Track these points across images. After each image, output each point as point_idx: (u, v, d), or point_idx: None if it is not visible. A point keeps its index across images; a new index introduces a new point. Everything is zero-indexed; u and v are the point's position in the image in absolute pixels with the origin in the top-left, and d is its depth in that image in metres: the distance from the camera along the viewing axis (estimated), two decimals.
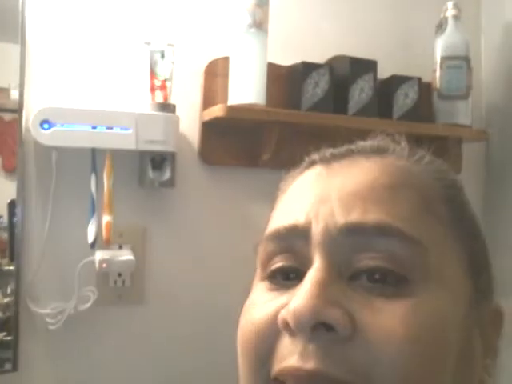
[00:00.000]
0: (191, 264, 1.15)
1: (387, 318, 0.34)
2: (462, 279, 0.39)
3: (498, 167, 1.37)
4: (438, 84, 1.25)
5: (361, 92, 1.17)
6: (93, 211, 1.03)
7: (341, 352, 0.33)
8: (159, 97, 1.09)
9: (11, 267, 1.04)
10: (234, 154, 1.17)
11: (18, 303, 1.03)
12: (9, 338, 1.01)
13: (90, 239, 1.03)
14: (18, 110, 1.04)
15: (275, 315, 0.36)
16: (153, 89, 1.09)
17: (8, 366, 1.01)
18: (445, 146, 1.28)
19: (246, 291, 1.17)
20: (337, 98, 1.16)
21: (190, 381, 1.13)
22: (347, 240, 0.36)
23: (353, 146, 0.44)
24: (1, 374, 1.01)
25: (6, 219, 1.06)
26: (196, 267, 1.15)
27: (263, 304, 0.39)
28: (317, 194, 0.40)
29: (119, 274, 1.10)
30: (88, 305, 1.06)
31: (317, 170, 0.43)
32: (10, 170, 1.07)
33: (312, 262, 0.37)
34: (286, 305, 0.36)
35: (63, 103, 1.03)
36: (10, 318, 1.01)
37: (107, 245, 1.04)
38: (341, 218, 0.37)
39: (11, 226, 1.05)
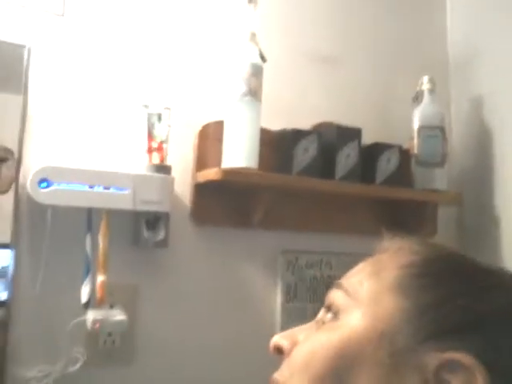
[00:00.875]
0: (182, 324, 1.15)
1: (303, 342, 0.51)
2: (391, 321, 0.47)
3: (471, 229, 1.45)
4: (416, 151, 1.33)
5: (347, 158, 1.23)
6: (87, 271, 1.03)
7: (283, 364, 0.51)
8: (156, 158, 1.12)
9: None
10: (226, 214, 1.20)
11: (4, 365, 1.00)
12: None
13: (84, 299, 1.02)
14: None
15: None
16: (150, 150, 1.12)
17: None
18: (422, 210, 1.36)
19: (236, 351, 1.18)
20: (325, 163, 1.22)
21: None
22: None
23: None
24: None
25: None
26: (187, 327, 1.15)
27: None
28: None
29: (109, 334, 1.09)
30: (76, 366, 1.04)
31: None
32: None
33: None
34: None
35: (61, 162, 1.05)
36: None
37: (100, 305, 1.04)
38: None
39: None
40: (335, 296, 0.50)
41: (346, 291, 0.50)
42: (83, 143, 1.10)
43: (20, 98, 1.05)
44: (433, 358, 0.42)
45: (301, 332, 0.51)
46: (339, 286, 0.51)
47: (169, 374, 1.13)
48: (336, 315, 0.49)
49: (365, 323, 0.46)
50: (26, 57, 1.06)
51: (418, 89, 1.37)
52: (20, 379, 1.01)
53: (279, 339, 0.52)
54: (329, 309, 0.51)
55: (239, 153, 1.14)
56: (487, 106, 1.42)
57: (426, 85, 1.36)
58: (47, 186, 1.01)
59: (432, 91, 1.36)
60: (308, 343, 0.49)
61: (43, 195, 1.01)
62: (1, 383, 1.00)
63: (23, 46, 1.06)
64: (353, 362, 0.45)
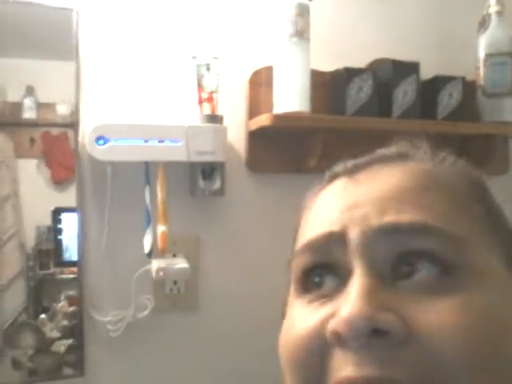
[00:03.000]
0: (242, 271, 1.18)
1: (439, 317, 0.33)
2: (506, 272, 0.38)
3: None
4: (482, 82, 1.24)
5: (404, 95, 1.17)
6: (148, 222, 1.08)
7: (397, 356, 0.32)
8: (207, 109, 1.12)
9: (63, 276, 1.10)
10: (280, 161, 1.20)
11: (82, 312, 1.08)
12: (75, 344, 1.07)
13: (147, 249, 1.07)
14: (67, 124, 1.09)
15: (321, 327, 0.35)
16: (200, 101, 1.13)
17: (75, 370, 1.06)
18: (491, 145, 1.27)
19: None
20: (380, 101, 1.17)
21: (247, 372, 1.15)
22: (385, 241, 0.36)
23: (373, 155, 0.44)
24: (69, 378, 1.06)
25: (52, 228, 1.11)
26: (247, 274, 1.18)
27: (306, 317, 0.37)
28: (347, 202, 0.39)
29: (174, 282, 1.14)
30: (146, 312, 1.10)
31: (341, 182, 0.42)
32: (59, 182, 1.12)
33: (352, 268, 0.36)
34: (331, 315, 0.35)
35: (116, 119, 1.08)
36: (76, 326, 1.07)
37: (163, 254, 1.08)
38: (376, 221, 0.37)
39: (55, 232, 1.11)
40: (442, 249, 0.35)
41: (459, 242, 0.36)
42: (136, 99, 1.12)
43: (72, 62, 1.09)
44: None
45: (391, 300, 0.34)
46: (441, 233, 0.36)
47: (231, 319, 1.17)
48: (449, 272, 0.35)
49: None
50: (74, 19, 1.08)
51: (484, 12, 1.26)
52: (98, 323, 1.09)
53: (379, 317, 0.33)
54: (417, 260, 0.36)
55: (290, 97, 1.12)
56: None
57: (493, 7, 1.25)
58: (104, 143, 1.05)
59: (500, 13, 1.24)
60: (466, 317, 0.33)
61: (101, 152, 1.05)
62: (82, 328, 1.08)
63: (71, 10, 1.08)
64: None
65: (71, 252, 1.11)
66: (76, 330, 1.07)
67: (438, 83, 1.21)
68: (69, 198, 1.11)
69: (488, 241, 0.38)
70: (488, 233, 0.38)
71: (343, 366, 0.33)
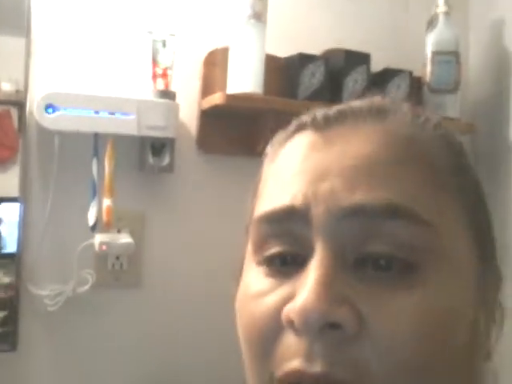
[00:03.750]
0: (187, 248, 1.18)
1: (395, 313, 0.32)
2: (471, 257, 0.36)
3: (485, 158, 1.42)
4: (428, 78, 1.29)
5: (354, 83, 1.20)
6: (94, 195, 1.05)
7: (347, 352, 0.32)
8: (160, 84, 1.12)
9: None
10: (231, 142, 1.20)
11: (19, 284, 1.04)
12: (9, 316, 1.03)
13: (91, 222, 1.05)
14: (11, 102, 1.06)
15: (278, 309, 0.34)
16: (154, 76, 1.12)
17: (7, 345, 1.03)
18: None
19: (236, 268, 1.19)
20: (332, 88, 1.19)
21: (183, 362, 1.15)
22: (352, 223, 0.33)
23: (347, 107, 0.39)
24: (0, 353, 1.03)
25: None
26: (192, 252, 1.18)
27: (263, 296, 0.36)
28: (314, 169, 0.36)
29: (117, 258, 1.12)
30: (86, 287, 1.08)
31: (309, 137, 0.38)
32: (1, 162, 1.08)
33: (313, 246, 0.34)
34: (288, 298, 0.34)
35: (67, 88, 1.05)
36: (11, 298, 1.03)
37: (107, 228, 1.06)
38: (344, 199, 0.34)
39: None
40: (413, 234, 0.33)
41: (432, 227, 0.34)
42: (89, 69, 1.10)
43: (24, 28, 1.05)
44: (489, 279, 0.39)
45: (349, 291, 0.33)
46: (412, 218, 0.33)
47: (174, 297, 1.16)
48: (413, 265, 0.33)
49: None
50: None
51: (432, 12, 1.32)
52: (35, 297, 1.05)
53: (333, 311, 0.32)
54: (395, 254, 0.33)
55: (244, 77, 1.12)
56: (507, 31, 1.36)
57: (441, 7, 1.30)
58: (53, 112, 1.03)
59: (447, 14, 1.30)
60: (417, 314, 0.32)
61: (50, 120, 1.02)
62: (17, 301, 1.04)
63: None
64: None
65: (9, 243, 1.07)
66: (11, 303, 1.03)
67: (387, 75, 1.25)
68: (9, 181, 1.07)
69: (460, 221, 0.36)
70: (462, 210, 0.36)
71: (294, 355, 0.33)
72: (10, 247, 1.06)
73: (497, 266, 0.40)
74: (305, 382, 0.32)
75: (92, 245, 1.07)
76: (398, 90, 1.25)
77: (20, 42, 1.06)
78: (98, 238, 1.06)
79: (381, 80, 1.24)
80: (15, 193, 1.06)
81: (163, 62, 1.12)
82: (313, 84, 1.18)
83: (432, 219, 0.34)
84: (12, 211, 1.07)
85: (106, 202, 1.06)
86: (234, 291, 0.40)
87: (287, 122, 1.23)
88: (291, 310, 0.32)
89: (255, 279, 0.37)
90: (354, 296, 0.32)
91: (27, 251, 1.06)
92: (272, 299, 0.35)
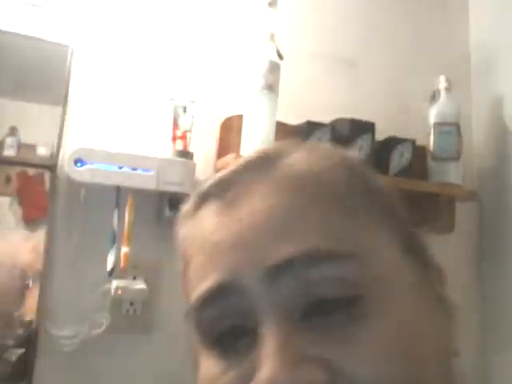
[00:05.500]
0: None
1: (361, 348, 0.32)
2: (409, 270, 0.37)
3: (490, 227, 1.47)
4: (431, 147, 1.38)
5: (360, 150, 1.30)
6: (113, 243, 1.15)
7: None
8: (179, 145, 1.23)
9: None
10: None
11: (39, 323, 1.12)
12: (27, 354, 1.10)
13: (109, 267, 1.14)
14: (45, 166, 1.16)
15: None
16: (174, 138, 1.23)
17: (22, 381, 1.09)
18: (438, 204, 1.39)
19: None
20: None
21: None
22: (286, 279, 0.33)
23: (240, 165, 0.39)
24: None
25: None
26: None
27: (220, 379, 0.34)
28: (228, 240, 0.36)
29: (131, 303, 1.19)
30: (101, 330, 1.14)
31: (214, 207, 0.38)
32: (29, 221, 1.17)
33: (258, 317, 0.33)
34: (248, 376, 0.32)
35: (95, 145, 1.18)
36: (30, 336, 1.10)
37: (124, 273, 1.15)
38: (269, 259, 0.33)
39: None
40: (348, 271, 0.33)
41: (363, 257, 0.34)
42: (116, 129, 1.23)
43: (62, 96, 1.18)
44: (430, 278, 0.40)
45: (310, 345, 0.32)
46: (338, 256, 0.33)
47: (184, 344, 1.21)
48: (357, 298, 0.33)
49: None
50: (68, 57, 1.20)
51: (434, 88, 1.42)
52: (53, 336, 1.12)
53: (303, 375, 0.30)
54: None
55: (255, 141, 1.23)
56: (508, 105, 1.45)
57: (442, 83, 1.41)
58: (82, 165, 1.14)
59: (448, 90, 1.40)
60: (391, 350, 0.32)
61: (78, 173, 1.14)
62: (37, 338, 1.11)
63: (67, 46, 1.20)
64: None
65: None
66: (30, 341, 1.10)
67: (390, 143, 1.34)
68: (38, 237, 1.15)
69: (385, 235, 0.37)
70: (380, 223, 0.37)
71: None
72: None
73: (437, 267, 0.41)
74: None
75: (108, 289, 1.14)
76: (401, 157, 1.33)
77: (57, 109, 1.18)
78: (115, 283, 1.14)
79: (385, 148, 1.33)
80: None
81: (183, 125, 1.24)
82: None
83: (358, 251, 0.34)
84: None
85: (124, 250, 1.15)
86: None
87: None
88: None
89: (209, 365, 0.36)
90: (315, 349, 0.31)
91: (48, 294, 1.14)
92: (230, 379, 0.34)
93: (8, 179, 1.17)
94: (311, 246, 0.33)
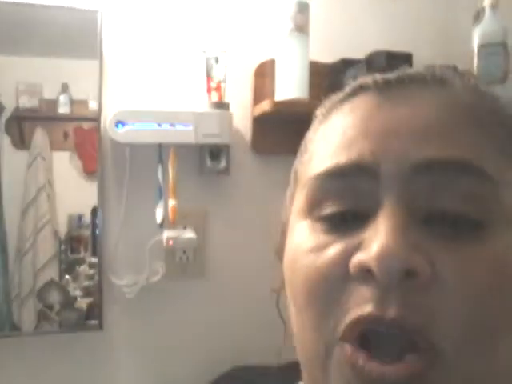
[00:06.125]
0: (245, 243, 1.30)
1: (466, 265, 0.32)
2: None
3: None
4: (475, 71, 1.31)
5: None
6: (160, 196, 1.21)
7: (420, 299, 0.32)
8: (215, 97, 1.25)
9: (93, 259, 1.23)
10: (280, 143, 1.31)
11: (101, 275, 1.22)
12: (95, 302, 1.22)
13: (159, 220, 1.21)
14: (96, 118, 1.21)
15: (343, 259, 0.34)
16: (209, 90, 1.26)
17: (95, 325, 1.21)
18: None
19: None
20: None
21: (246, 346, 1.27)
22: (424, 178, 0.34)
23: (407, 73, 0.40)
24: (89, 331, 1.21)
25: (88, 219, 1.23)
26: (248, 246, 1.30)
27: (324, 247, 0.35)
28: (381, 128, 0.36)
29: (184, 251, 1.27)
30: (158, 277, 1.24)
31: (372, 98, 0.38)
32: (90, 173, 1.23)
33: (380, 202, 0.34)
34: (355, 248, 0.34)
35: (134, 106, 1.22)
36: (95, 287, 1.21)
37: (173, 225, 1.22)
38: (415, 155, 0.34)
39: (93, 226, 1.23)
40: (482, 190, 0.34)
41: (498, 184, 0.34)
42: (152, 88, 1.26)
43: (97, 58, 1.21)
44: None
45: (422, 242, 0.33)
46: (482, 175, 0.34)
47: (235, 285, 1.29)
48: (482, 221, 0.34)
49: None
50: (99, 21, 1.22)
51: (478, 6, 1.33)
52: (115, 286, 1.23)
53: (412, 257, 0.32)
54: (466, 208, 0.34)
55: (289, 85, 1.23)
56: None
57: (487, 1, 1.32)
58: (123, 127, 1.20)
59: (494, 7, 1.31)
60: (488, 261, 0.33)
61: (120, 135, 1.19)
62: (101, 289, 1.22)
63: (96, 11, 1.23)
64: None
65: None
66: (96, 291, 1.21)
67: None
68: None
69: None
70: None
71: (365, 302, 0.33)
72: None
73: None
74: (378, 327, 0.32)
75: (161, 240, 1.22)
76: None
77: (94, 64, 1.21)
78: (166, 234, 1.22)
79: None
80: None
81: (217, 76, 1.26)
82: None
83: (497, 177, 0.34)
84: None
85: (171, 203, 1.21)
86: (275, 247, 0.40)
87: None
88: (367, 256, 0.32)
89: (311, 235, 0.37)
90: (426, 246, 0.33)
91: (106, 247, 1.24)
92: (334, 251, 0.35)
93: (66, 135, 1.23)
94: (459, 155, 0.34)
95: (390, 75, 0.40)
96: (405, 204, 0.34)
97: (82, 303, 1.21)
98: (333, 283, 0.34)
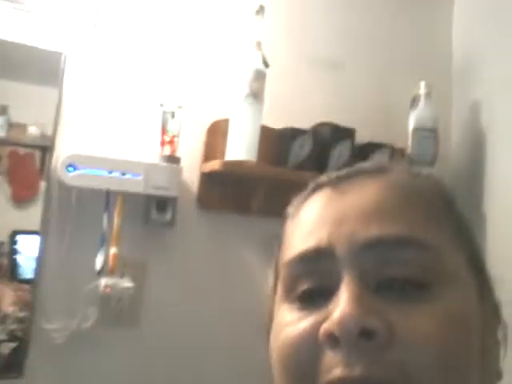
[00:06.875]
0: (183, 296, 1.32)
1: (420, 323, 0.37)
2: (470, 279, 0.43)
3: None
4: (409, 151, 1.43)
5: (339, 155, 1.35)
6: (102, 243, 1.21)
7: (381, 357, 0.36)
8: (167, 150, 1.29)
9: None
10: (227, 201, 1.36)
11: (32, 318, 1.19)
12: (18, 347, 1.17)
13: (98, 267, 1.21)
14: (36, 146, 1.18)
15: (313, 330, 0.39)
16: (163, 143, 1.29)
17: (15, 373, 1.16)
18: None
19: (231, 323, 1.32)
20: (319, 158, 1.34)
21: None
22: (370, 254, 0.40)
23: (355, 169, 0.47)
24: (8, 380, 1.16)
25: (7, 246, 1.19)
26: (187, 299, 1.32)
27: (297, 321, 0.41)
28: (333, 216, 0.43)
29: (119, 300, 1.26)
30: (89, 324, 1.22)
31: (327, 192, 0.45)
32: (18, 201, 1.20)
33: (340, 278, 0.40)
34: (323, 320, 0.38)
35: (86, 151, 1.23)
36: (23, 331, 1.17)
37: (112, 273, 1.22)
38: (362, 235, 0.40)
39: (12, 252, 1.20)
40: (421, 258, 0.40)
41: (435, 251, 0.41)
42: (105, 135, 1.28)
43: (55, 89, 1.21)
44: (487, 305, 0.44)
45: (377, 306, 0.38)
46: (421, 244, 0.41)
47: (169, 337, 1.29)
48: (427, 282, 0.39)
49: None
50: (62, 63, 1.24)
51: (415, 93, 1.47)
52: (44, 330, 1.20)
53: (367, 319, 0.37)
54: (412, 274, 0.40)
55: (240, 147, 1.29)
56: (485, 110, 1.50)
57: (423, 89, 1.46)
58: (74, 171, 1.20)
59: (428, 95, 1.45)
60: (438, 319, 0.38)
61: (70, 178, 1.19)
62: (29, 332, 1.19)
63: (60, 53, 1.24)
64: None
65: (25, 270, 1.22)
66: (23, 335, 1.17)
67: (370, 148, 1.40)
68: (27, 217, 1.21)
69: (455, 245, 0.43)
70: (455, 237, 0.44)
71: (334, 366, 0.37)
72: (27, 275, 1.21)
73: (495, 301, 0.46)
74: None
75: (98, 286, 1.21)
76: (385, 157, 1.39)
77: (51, 93, 1.20)
78: (103, 281, 1.21)
79: (364, 152, 1.39)
80: (35, 227, 1.20)
81: (171, 130, 1.30)
82: (302, 155, 1.33)
83: (435, 245, 0.41)
84: (29, 244, 1.22)
85: (113, 250, 1.22)
86: (264, 341, 0.45)
87: (277, 186, 1.37)
88: (330, 323, 0.38)
89: (288, 313, 0.43)
90: (380, 309, 0.38)
91: (41, 290, 1.21)
92: (307, 322, 0.40)
93: None
94: (398, 232, 0.40)
95: (341, 172, 0.48)
96: (358, 277, 0.39)
97: (5, 348, 1.17)
98: (305, 352, 0.39)
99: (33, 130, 1.22)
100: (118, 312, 1.26)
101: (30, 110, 1.21)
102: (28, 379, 1.19)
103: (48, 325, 1.20)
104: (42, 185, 1.22)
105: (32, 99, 1.22)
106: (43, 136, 1.23)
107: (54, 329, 1.20)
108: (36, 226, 1.21)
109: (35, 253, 1.21)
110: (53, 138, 1.23)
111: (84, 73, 1.27)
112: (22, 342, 1.17)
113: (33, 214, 1.22)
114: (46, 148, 1.22)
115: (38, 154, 1.23)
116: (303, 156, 1.33)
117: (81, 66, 1.27)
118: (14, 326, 1.17)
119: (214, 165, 1.28)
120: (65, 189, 1.21)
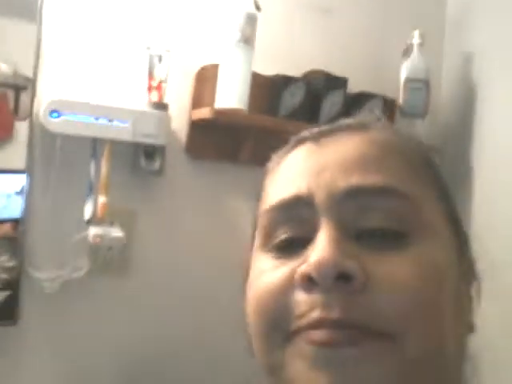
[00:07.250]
0: (172, 244, 1.31)
1: (395, 269, 0.38)
2: (448, 234, 0.43)
3: (450, 178, 1.55)
4: (400, 102, 1.42)
5: (332, 105, 1.33)
6: (90, 192, 1.19)
7: (358, 300, 0.37)
8: (155, 96, 1.24)
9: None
10: (216, 150, 1.34)
11: (21, 267, 1.17)
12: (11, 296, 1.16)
13: (87, 216, 1.19)
14: (8, 84, 1.12)
15: (290, 276, 0.39)
16: (150, 89, 1.24)
17: (9, 320, 1.16)
18: None
19: (219, 271, 1.32)
20: (311, 108, 1.32)
21: (166, 343, 1.29)
22: (350, 202, 0.40)
23: (337, 124, 0.47)
24: (2, 327, 1.16)
25: None
26: (176, 248, 1.32)
27: (274, 269, 0.41)
28: (313, 166, 0.43)
29: (109, 249, 1.25)
30: (81, 273, 1.21)
31: (307, 147, 0.45)
32: None
33: (319, 226, 0.40)
34: (299, 266, 0.39)
35: (71, 96, 1.18)
36: (14, 280, 1.16)
37: (101, 222, 1.20)
38: (342, 183, 0.41)
39: None
40: (401, 208, 0.41)
41: (415, 202, 0.42)
42: (91, 80, 1.22)
43: (35, 32, 1.14)
44: (464, 261, 0.45)
45: (354, 251, 0.39)
46: (399, 193, 0.41)
47: (158, 286, 1.30)
48: (404, 229, 0.40)
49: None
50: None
51: (408, 42, 1.44)
52: (35, 280, 1.19)
53: (345, 262, 0.37)
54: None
55: (231, 94, 1.25)
56: (477, 63, 1.49)
57: (416, 39, 1.43)
58: (58, 117, 1.15)
59: (421, 45, 1.43)
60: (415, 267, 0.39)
61: (54, 125, 1.15)
62: (18, 283, 1.17)
63: None
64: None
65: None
66: (14, 284, 1.16)
67: (362, 98, 1.38)
68: (7, 155, 1.15)
69: (434, 200, 0.44)
70: (434, 194, 0.44)
71: (310, 310, 0.37)
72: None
73: (471, 258, 0.47)
74: (326, 328, 0.37)
75: (87, 236, 1.20)
76: (371, 113, 1.37)
77: (22, 26, 1.13)
78: (93, 231, 1.20)
79: (356, 103, 1.37)
80: (20, 166, 1.15)
81: (158, 75, 1.25)
82: (293, 103, 1.31)
83: (415, 196, 0.41)
84: (13, 183, 1.16)
85: (101, 199, 1.19)
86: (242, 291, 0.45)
87: (268, 135, 1.35)
88: (307, 266, 0.37)
89: (265, 262, 0.43)
90: (358, 255, 0.38)
91: (28, 240, 1.19)
92: (284, 269, 0.40)
93: None
94: (379, 181, 0.41)
95: (323, 128, 0.48)
96: (337, 223, 0.40)
97: None
98: (280, 298, 0.39)
99: (4, 68, 1.15)
100: (108, 261, 1.26)
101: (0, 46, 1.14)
102: (21, 326, 1.19)
103: (38, 274, 1.19)
104: (18, 125, 1.17)
105: (3, 34, 1.15)
106: (16, 75, 1.16)
107: (44, 278, 1.19)
108: (12, 167, 1.16)
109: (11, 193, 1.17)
110: (34, 80, 1.17)
111: (66, 9, 1.20)
112: (14, 291, 1.16)
113: (9, 155, 1.16)
114: (19, 87, 1.16)
115: (11, 93, 1.16)
116: (295, 105, 1.31)
117: (62, 1, 1.20)
118: (4, 275, 1.16)
119: (205, 113, 1.25)
120: (49, 136, 1.17)
